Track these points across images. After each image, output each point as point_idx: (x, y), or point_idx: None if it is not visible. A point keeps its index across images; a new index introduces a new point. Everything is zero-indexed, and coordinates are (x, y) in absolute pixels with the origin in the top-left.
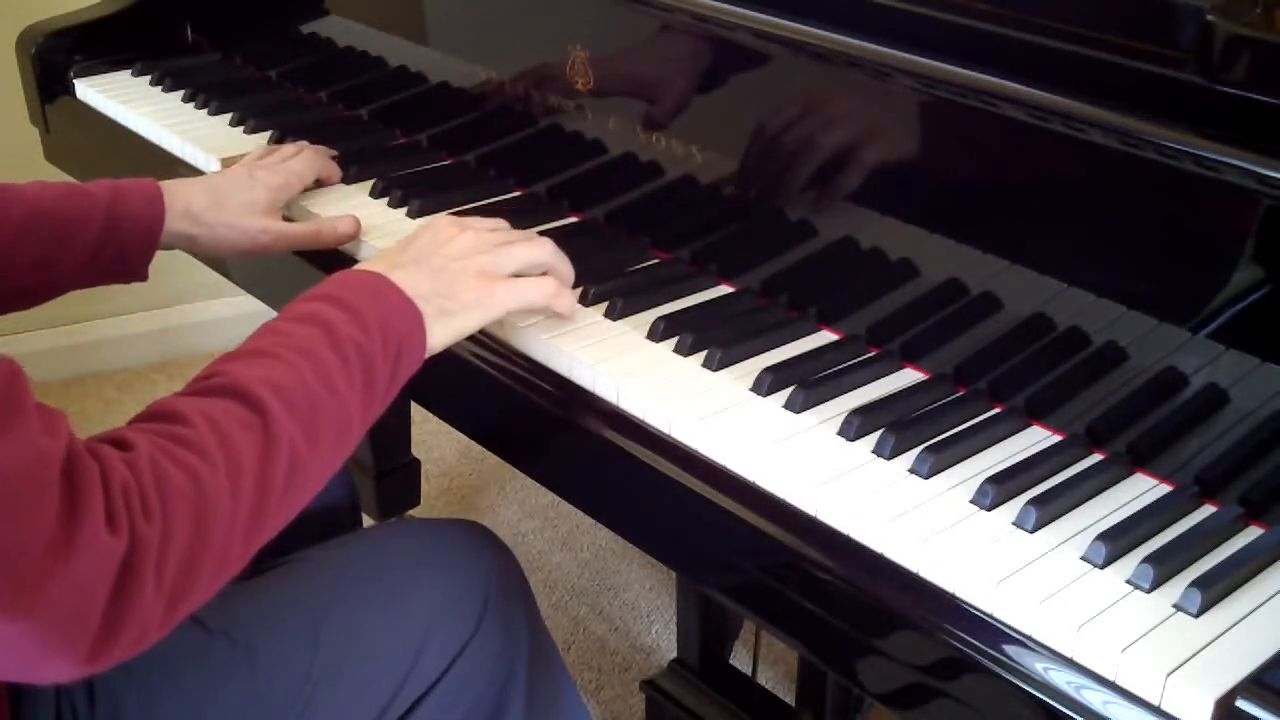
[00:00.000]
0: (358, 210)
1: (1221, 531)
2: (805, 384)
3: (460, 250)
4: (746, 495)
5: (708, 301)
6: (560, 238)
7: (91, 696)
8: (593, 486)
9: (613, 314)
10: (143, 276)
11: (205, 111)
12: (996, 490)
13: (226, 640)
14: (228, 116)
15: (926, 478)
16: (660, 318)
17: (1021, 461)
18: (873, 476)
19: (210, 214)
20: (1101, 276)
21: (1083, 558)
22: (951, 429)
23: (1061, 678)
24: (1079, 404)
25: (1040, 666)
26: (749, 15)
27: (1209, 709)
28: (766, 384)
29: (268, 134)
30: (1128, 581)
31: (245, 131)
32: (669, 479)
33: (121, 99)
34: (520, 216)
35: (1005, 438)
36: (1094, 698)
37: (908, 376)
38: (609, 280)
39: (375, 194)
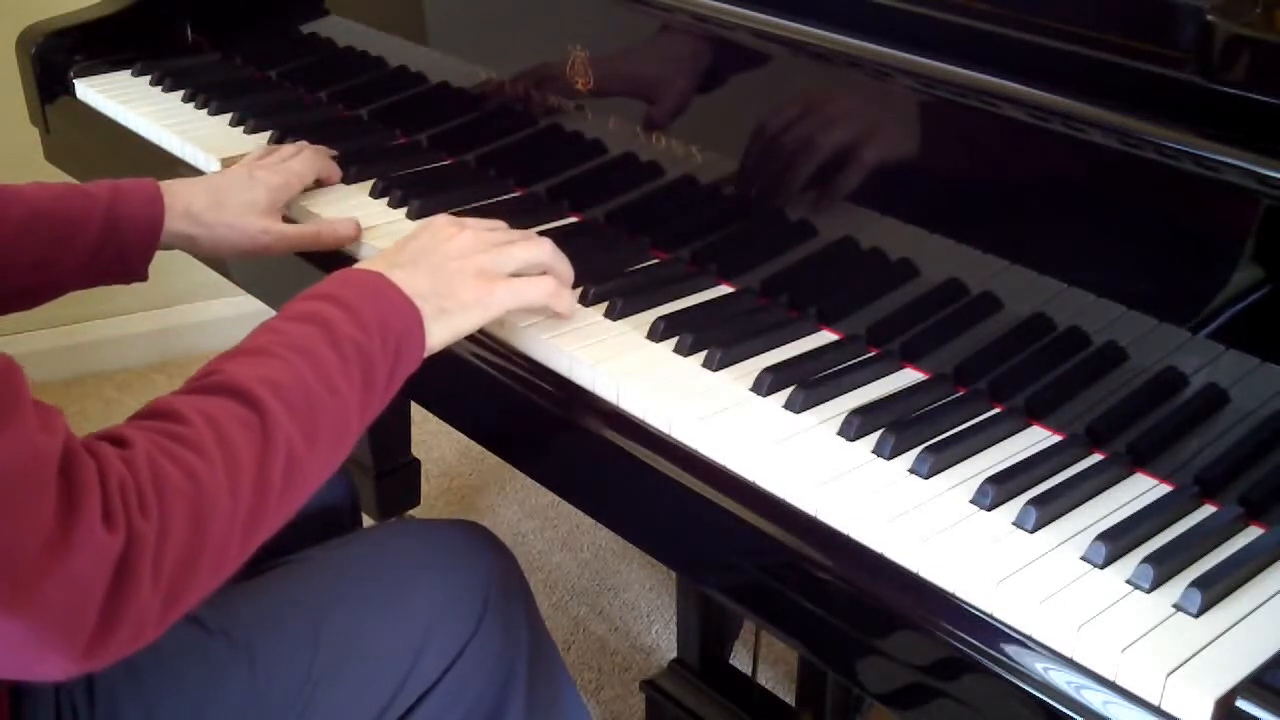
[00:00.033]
0: (357, 210)
1: (1221, 531)
2: (805, 384)
3: (459, 249)
4: (746, 495)
5: (708, 301)
6: (560, 238)
7: (91, 696)
8: (593, 486)
9: (613, 314)
10: (143, 276)
11: (205, 111)
12: (996, 490)
13: (226, 640)
14: (228, 116)
15: (926, 478)
16: (660, 318)
17: (1021, 461)
18: (873, 476)
19: (210, 214)
20: (1101, 276)
21: (1083, 558)
22: (951, 429)
23: (1061, 678)
24: (1079, 404)
25: (1040, 666)
26: (749, 15)
27: (1209, 709)
28: (766, 384)
29: (268, 134)
30: (1128, 581)
31: (245, 131)
32: (669, 479)
33: (121, 99)
34: (520, 216)
35: (1005, 438)
36: (1094, 698)
37: (908, 376)
38: (609, 280)
39: (375, 194)
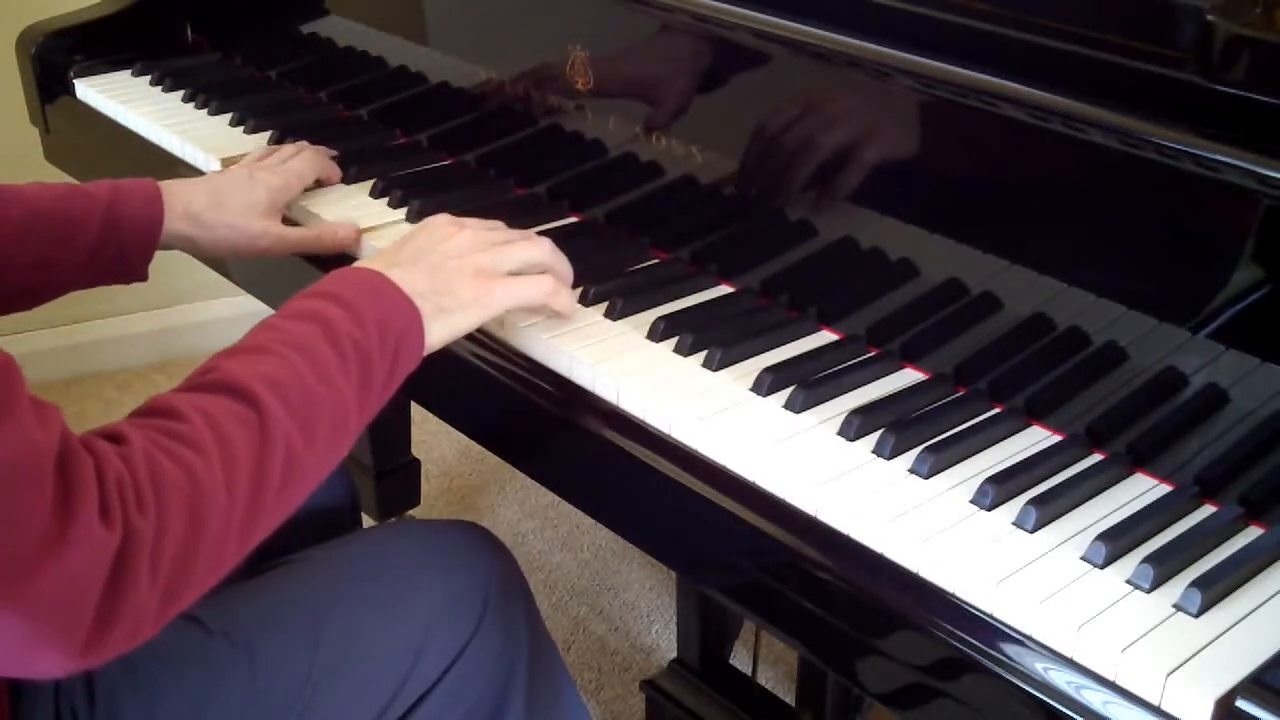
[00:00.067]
0: (357, 210)
1: (1221, 531)
2: (805, 384)
3: (458, 248)
4: (746, 495)
5: (708, 301)
6: (560, 238)
7: (91, 696)
8: (593, 486)
9: (613, 314)
10: (143, 276)
11: (205, 111)
12: (996, 490)
13: (226, 640)
14: (228, 116)
15: (926, 478)
16: (660, 318)
17: (1021, 461)
18: (873, 476)
19: (210, 215)
20: (1101, 276)
21: (1083, 558)
22: (951, 429)
23: (1061, 678)
24: (1079, 404)
25: (1040, 666)
26: (749, 15)
27: (1209, 709)
28: (766, 384)
29: (268, 134)
30: (1128, 581)
31: (245, 131)
32: (669, 479)
33: (121, 99)
34: (520, 216)
35: (1005, 438)
36: (1094, 698)
37: (908, 376)
38: (609, 280)
39: (375, 194)
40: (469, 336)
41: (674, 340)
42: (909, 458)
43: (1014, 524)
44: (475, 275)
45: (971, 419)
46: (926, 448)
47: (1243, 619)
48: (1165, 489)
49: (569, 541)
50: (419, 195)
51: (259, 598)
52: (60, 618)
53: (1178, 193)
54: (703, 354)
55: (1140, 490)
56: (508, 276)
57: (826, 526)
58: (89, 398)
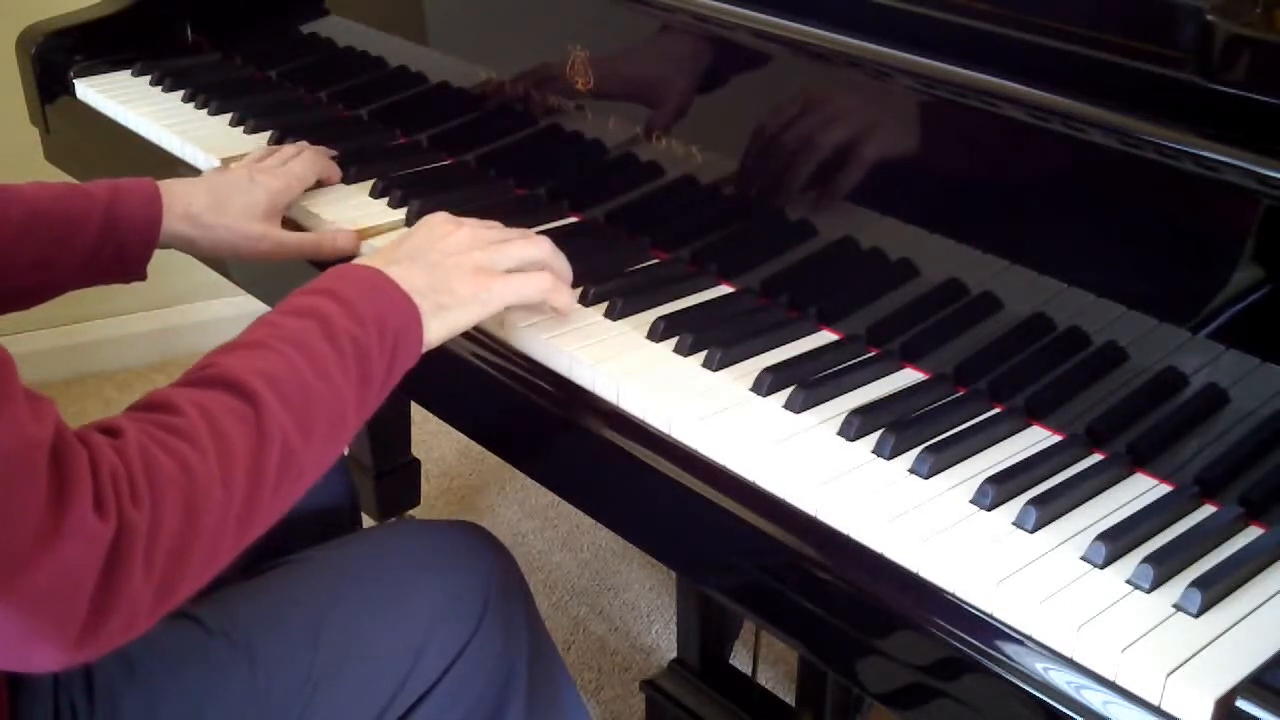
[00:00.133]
0: (357, 210)
1: (1221, 531)
2: (805, 384)
3: (456, 246)
4: (746, 495)
5: (708, 301)
6: (560, 238)
7: (91, 695)
8: (593, 486)
9: (613, 314)
10: (141, 276)
11: (205, 111)
12: (996, 490)
13: (226, 640)
14: (228, 116)
15: (926, 478)
16: (660, 318)
17: (1021, 461)
18: (873, 476)
19: (210, 216)
20: (1101, 276)
21: (1083, 558)
22: (951, 429)
23: (1061, 678)
24: (1079, 404)
25: (1040, 666)
26: (749, 15)
27: (1209, 709)
28: (766, 384)
29: (268, 134)
30: (1128, 581)
31: (245, 131)
32: (669, 479)
33: (121, 99)
34: (520, 216)
35: (1005, 438)
36: (1094, 698)
37: (908, 376)
38: (609, 280)
39: (375, 194)
40: (469, 336)
41: (674, 340)
42: (909, 458)
43: (1014, 524)
44: (473, 272)
45: (971, 419)
46: (926, 448)
47: (1243, 619)
48: (1165, 489)
49: (569, 541)
50: (419, 195)
51: (259, 598)
52: (55, 610)
53: (1178, 193)
54: (703, 354)
55: (1140, 490)
56: (506, 274)
57: (826, 526)
58: (89, 398)
